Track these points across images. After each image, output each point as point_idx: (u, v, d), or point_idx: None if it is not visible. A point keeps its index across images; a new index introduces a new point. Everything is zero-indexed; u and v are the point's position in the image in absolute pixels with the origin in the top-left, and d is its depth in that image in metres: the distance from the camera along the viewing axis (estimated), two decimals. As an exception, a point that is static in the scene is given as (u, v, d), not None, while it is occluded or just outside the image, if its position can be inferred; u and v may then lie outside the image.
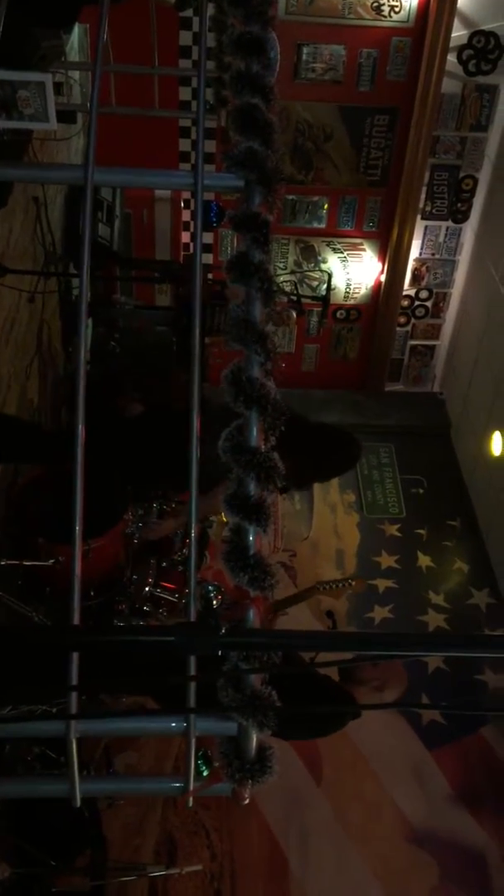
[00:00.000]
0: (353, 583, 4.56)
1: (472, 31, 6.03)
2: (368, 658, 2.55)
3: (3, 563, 3.55)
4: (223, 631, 1.30)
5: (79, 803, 1.63)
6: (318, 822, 4.81)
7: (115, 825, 4.35)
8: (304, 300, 6.00)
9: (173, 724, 1.65)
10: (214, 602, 3.64)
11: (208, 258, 6.67)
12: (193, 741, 1.62)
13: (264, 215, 1.77)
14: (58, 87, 3.91)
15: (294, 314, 5.73)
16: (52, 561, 3.55)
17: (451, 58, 6.11)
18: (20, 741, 3.61)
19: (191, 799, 1.70)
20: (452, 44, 6.05)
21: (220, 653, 1.45)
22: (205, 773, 1.69)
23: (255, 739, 1.56)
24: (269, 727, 1.51)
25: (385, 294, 7.18)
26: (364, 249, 7.04)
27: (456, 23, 5.96)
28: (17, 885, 3.63)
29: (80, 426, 1.68)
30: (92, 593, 3.87)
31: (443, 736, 5.29)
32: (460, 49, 6.09)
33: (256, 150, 1.79)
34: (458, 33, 6.04)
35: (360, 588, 4.76)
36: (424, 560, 6.39)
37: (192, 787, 1.66)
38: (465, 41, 6.08)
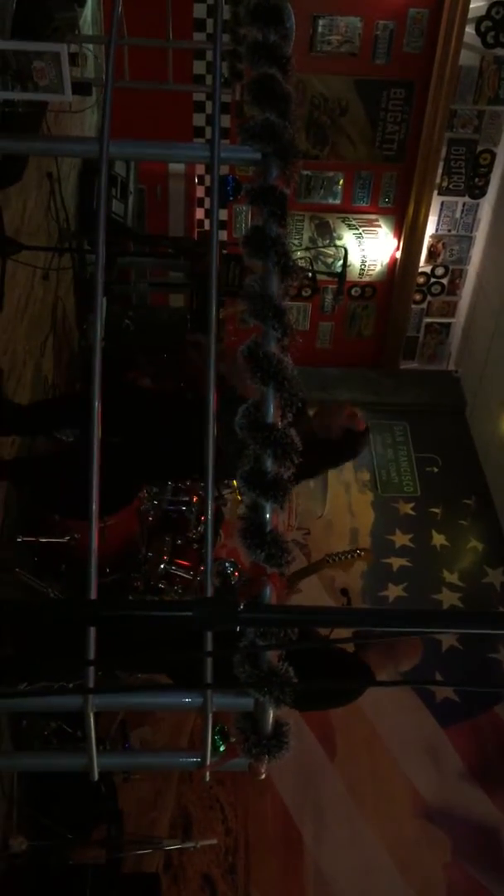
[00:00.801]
0: (362, 553, 4.57)
1: (491, 3, 5.92)
2: (383, 634, 2.55)
3: (19, 539, 3.57)
4: (241, 607, 1.30)
5: (97, 777, 1.64)
6: (331, 798, 4.85)
7: (130, 799, 4.39)
8: (319, 277, 5.96)
9: (191, 700, 1.66)
10: (232, 579, 3.65)
11: (223, 235, 6.63)
12: (211, 716, 1.62)
13: (281, 188, 1.75)
14: (72, 59, 3.87)
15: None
16: (67, 538, 3.57)
17: (469, 29, 6.01)
18: (37, 716, 3.64)
19: (207, 774, 1.71)
20: (471, 15, 5.94)
21: (237, 629, 1.45)
22: (221, 749, 1.70)
23: (271, 715, 1.57)
24: (286, 703, 1.52)
25: (400, 271, 7.12)
26: (379, 226, 6.98)
27: (474, -7, 5.86)
28: (34, 858, 3.67)
29: (95, 402, 1.67)
30: (107, 570, 3.89)
31: (456, 713, 5.30)
32: (478, 20, 5.99)
33: (274, 121, 1.76)
34: (477, 4, 5.93)
35: (368, 559, 4.78)
36: (439, 539, 6.37)
37: (209, 762, 1.67)
38: (483, 12, 5.97)
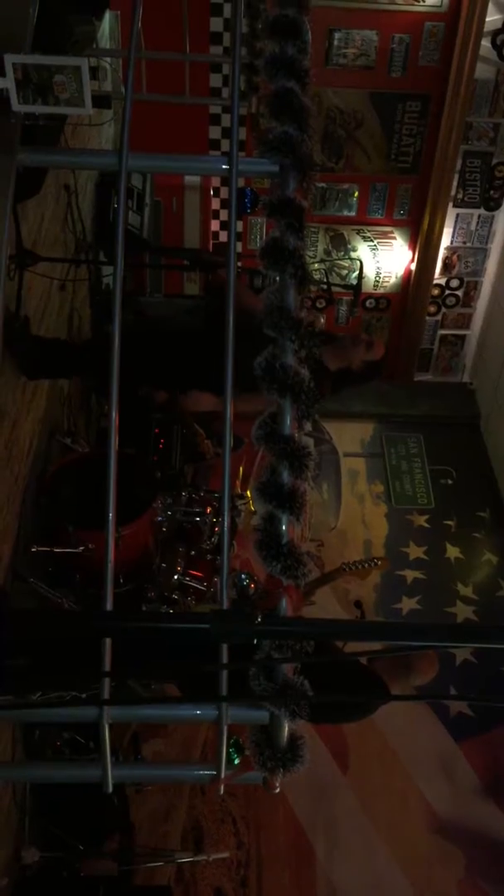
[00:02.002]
0: (379, 562, 4.56)
1: (507, 16, 5.93)
2: (398, 648, 2.53)
3: (33, 549, 3.57)
4: (258, 620, 1.29)
5: (111, 789, 1.64)
6: (344, 812, 4.82)
7: (142, 811, 4.38)
8: (333, 289, 5.96)
9: (205, 712, 1.65)
10: (249, 591, 3.64)
11: (238, 246, 6.64)
12: (226, 729, 1.62)
13: (299, 201, 1.76)
14: (92, 72, 3.90)
15: (322, 319, 5.69)
16: (81, 548, 3.57)
17: (485, 43, 6.02)
18: (50, 726, 3.64)
19: (222, 787, 1.70)
20: (487, 28, 5.95)
21: (253, 641, 1.44)
22: (236, 762, 1.69)
23: (286, 728, 1.56)
24: (301, 716, 1.51)
25: (415, 283, 7.11)
26: (394, 238, 6.98)
27: (490, 7, 5.86)
28: (46, 870, 3.67)
29: (114, 415, 1.68)
30: (121, 580, 3.89)
31: (470, 728, 5.26)
32: (494, 33, 5.99)
33: (291, 134, 1.77)
34: (493, 17, 5.94)
35: (385, 567, 4.76)
36: (453, 551, 6.34)
37: (223, 776, 1.66)
38: (499, 26, 5.97)
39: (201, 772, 1.74)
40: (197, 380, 3.70)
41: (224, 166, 1.79)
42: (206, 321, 3.88)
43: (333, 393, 3.80)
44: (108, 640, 1.50)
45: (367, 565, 4.49)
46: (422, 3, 6.01)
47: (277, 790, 1.66)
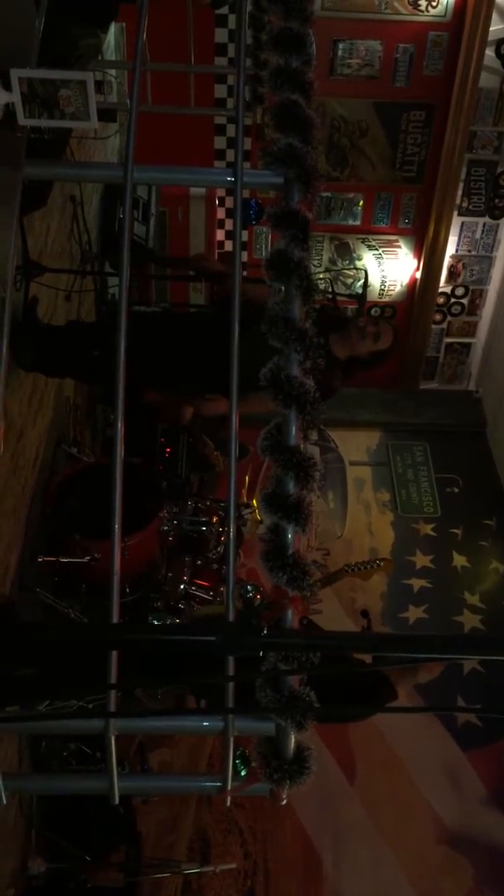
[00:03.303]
0: (381, 563, 4.54)
1: (511, 25, 5.95)
2: (405, 660, 2.53)
3: (39, 559, 3.58)
4: (264, 632, 1.29)
5: (117, 801, 1.63)
6: (351, 823, 4.79)
7: (149, 822, 4.37)
8: (338, 298, 5.97)
9: (212, 724, 1.65)
10: (255, 602, 3.64)
11: (243, 256, 6.66)
12: (232, 741, 1.62)
13: (304, 212, 1.76)
14: (98, 86, 3.92)
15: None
16: (88, 558, 3.58)
17: (489, 52, 6.04)
18: (57, 737, 3.63)
19: (228, 798, 1.70)
20: (490, 37, 5.97)
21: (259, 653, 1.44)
22: (242, 773, 1.69)
23: (293, 739, 1.56)
24: (307, 728, 1.51)
25: (420, 291, 7.12)
26: (399, 246, 6.99)
27: (494, 16, 5.89)
28: (52, 880, 3.66)
29: (119, 425, 1.68)
30: (127, 590, 3.89)
31: (478, 738, 5.23)
32: (498, 43, 6.01)
33: (296, 146, 1.78)
34: (497, 27, 5.96)
35: (388, 569, 4.73)
36: (460, 560, 6.33)
37: (229, 787, 1.66)
38: (503, 35, 5.99)
39: (208, 783, 1.73)
40: (207, 373, 3.63)
41: (229, 179, 1.80)
42: (216, 311, 3.83)
43: (342, 384, 3.76)
44: (114, 653, 1.50)
45: (369, 566, 4.48)
46: (426, 13, 6.03)
47: (284, 802, 1.66)
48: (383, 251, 7.01)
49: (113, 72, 4.57)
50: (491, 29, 5.93)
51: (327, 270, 6.82)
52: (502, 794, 5.05)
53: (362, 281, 6.22)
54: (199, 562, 4.35)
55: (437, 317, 7.32)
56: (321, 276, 6.47)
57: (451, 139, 6.35)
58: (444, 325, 7.41)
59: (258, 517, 4.52)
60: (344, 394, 7.34)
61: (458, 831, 4.87)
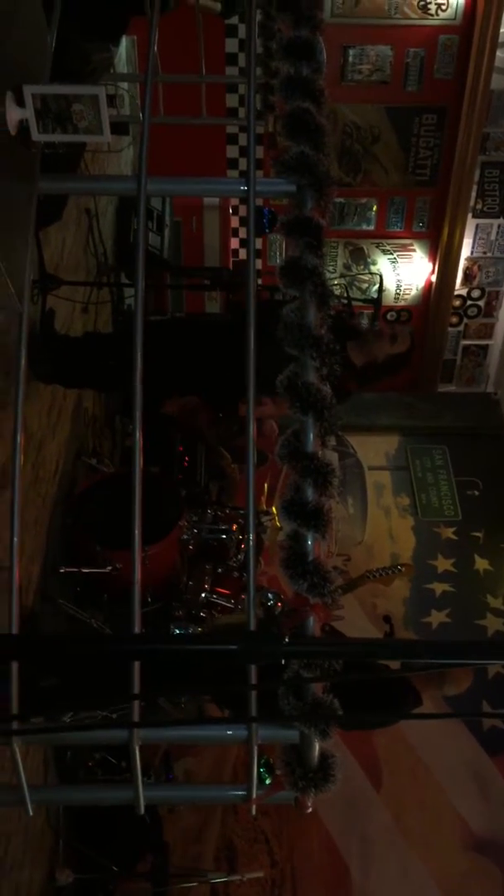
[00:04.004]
0: (402, 568, 4.53)
1: (522, 26, 5.94)
2: (429, 666, 2.51)
3: (61, 570, 3.59)
4: (286, 640, 1.29)
5: (143, 811, 1.64)
6: (378, 829, 4.77)
7: (175, 831, 4.37)
8: (354, 303, 5.96)
9: (236, 733, 1.65)
10: (275, 609, 3.63)
11: (258, 263, 6.67)
12: (256, 750, 1.61)
13: (317, 220, 1.77)
14: (110, 100, 3.95)
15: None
16: (109, 568, 3.59)
17: (501, 53, 6.02)
18: (82, 747, 3.64)
19: (254, 807, 1.70)
20: (501, 39, 5.96)
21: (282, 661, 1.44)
22: (267, 782, 1.68)
23: (317, 747, 1.55)
24: (331, 735, 1.50)
25: (436, 294, 7.10)
26: (414, 250, 6.98)
27: (504, 18, 5.88)
28: (80, 891, 3.66)
29: (138, 435, 1.69)
30: (149, 599, 3.90)
31: (504, 742, 5.20)
32: (509, 44, 6.00)
33: (308, 154, 1.78)
34: (507, 28, 5.95)
35: (410, 573, 4.72)
36: (482, 563, 6.29)
37: (254, 796, 1.66)
38: (513, 36, 5.99)
39: (233, 792, 1.73)
40: (226, 375, 3.60)
41: (242, 188, 1.81)
42: (234, 316, 3.80)
43: (360, 390, 3.72)
44: (136, 663, 1.50)
45: (391, 572, 4.48)
46: (435, 17, 6.03)
47: (310, 810, 1.65)
48: (398, 255, 7.00)
49: (125, 85, 4.60)
50: (501, 30, 5.91)
51: (342, 276, 6.82)
52: (530, 799, 5.01)
53: (378, 286, 6.21)
54: (219, 570, 4.36)
55: (454, 319, 7.29)
56: (336, 281, 6.47)
57: (464, 142, 6.34)
58: (461, 328, 7.38)
59: (278, 524, 4.52)
60: (362, 398, 7.36)
61: (486, 836, 4.84)
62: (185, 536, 4.13)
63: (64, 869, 3.60)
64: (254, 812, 1.70)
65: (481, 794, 5.02)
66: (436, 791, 4.94)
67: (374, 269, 6.93)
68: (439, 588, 6.08)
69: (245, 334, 1.76)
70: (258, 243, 6.65)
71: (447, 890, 4.62)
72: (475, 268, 7.07)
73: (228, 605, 4.21)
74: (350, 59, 6.13)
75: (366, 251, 6.98)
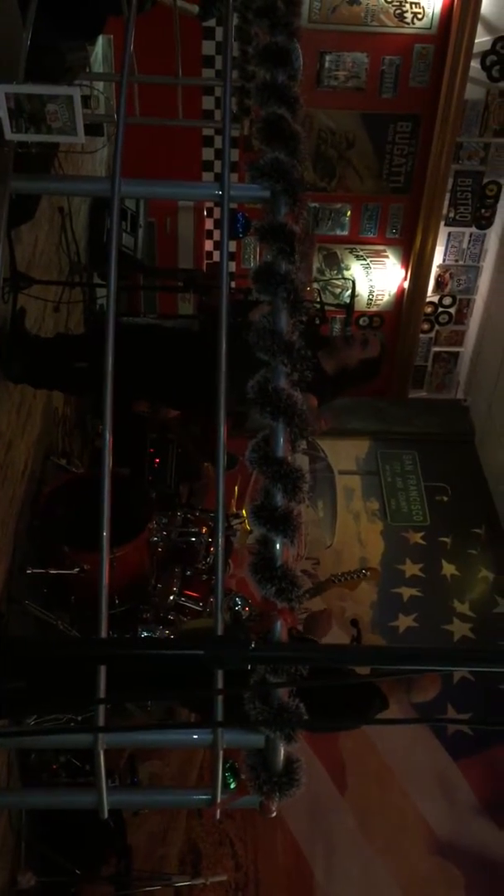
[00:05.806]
0: (367, 573, 4.56)
1: (496, 37, 5.99)
2: (393, 672, 2.53)
3: (29, 571, 3.57)
4: (252, 645, 1.29)
5: (106, 815, 1.63)
6: (342, 833, 4.78)
7: (139, 834, 4.35)
8: (327, 307, 5.99)
9: (200, 737, 1.65)
10: (243, 613, 3.63)
11: (231, 266, 6.68)
12: (221, 754, 1.61)
13: (290, 225, 1.77)
14: (85, 100, 3.93)
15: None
16: (77, 569, 3.57)
17: (475, 64, 6.08)
18: (46, 750, 3.61)
19: (218, 811, 1.70)
20: (476, 49, 6.02)
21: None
22: (232, 786, 1.68)
23: (282, 752, 1.56)
24: (297, 740, 1.51)
25: (408, 301, 7.15)
26: (387, 256, 7.03)
27: (479, 28, 5.94)
28: (43, 894, 3.63)
29: (107, 437, 1.68)
30: (117, 601, 3.88)
31: (469, 746, 5.23)
32: (483, 55, 6.06)
33: (282, 160, 1.79)
34: (482, 39, 6.01)
35: (375, 578, 4.74)
36: (449, 568, 6.34)
37: (219, 800, 1.66)
38: (488, 47, 6.04)
39: (197, 797, 1.73)
40: (195, 385, 3.61)
41: (217, 192, 1.81)
42: (203, 324, 3.81)
43: (334, 397, 3.75)
44: (102, 667, 1.50)
45: (356, 576, 4.51)
46: (411, 26, 6.08)
47: (274, 814, 1.65)
48: (371, 261, 7.04)
49: (100, 86, 4.58)
50: (476, 41, 5.97)
51: (315, 280, 6.84)
52: (493, 803, 5.05)
53: (350, 291, 6.24)
54: (188, 573, 4.35)
55: (425, 326, 7.35)
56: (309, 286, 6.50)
57: (438, 150, 6.39)
58: (432, 335, 7.44)
59: (248, 527, 4.52)
60: (333, 403, 7.38)
61: (450, 841, 4.87)
62: (155, 538, 4.11)
63: (26, 872, 3.56)
64: (218, 816, 1.69)
65: (445, 799, 5.05)
66: (400, 795, 4.97)
67: (347, 274, 6.97)
68: (407, 592, 6.12)
69: (217, 338, 1.76)
70: (232, 246, 6.66)
71: (410, 893, 4.64)
72: (447, 275, 7.14)
73: (197, 608, 4.20)
74: (326, 65, 6.16)
75: (339, 256, 7.01)
